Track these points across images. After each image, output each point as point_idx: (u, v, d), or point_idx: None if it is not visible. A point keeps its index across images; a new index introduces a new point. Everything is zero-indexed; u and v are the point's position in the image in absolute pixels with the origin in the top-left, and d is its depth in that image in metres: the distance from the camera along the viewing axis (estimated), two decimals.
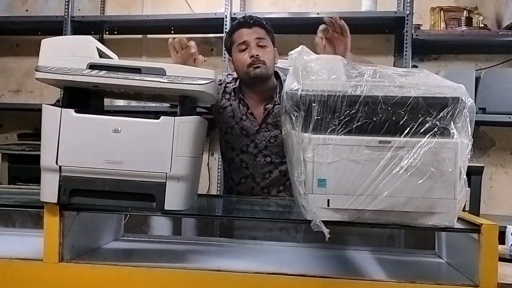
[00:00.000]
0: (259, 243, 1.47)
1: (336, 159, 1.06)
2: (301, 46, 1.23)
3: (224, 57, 2.67)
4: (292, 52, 1.26)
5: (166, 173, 1.10)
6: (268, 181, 1.75)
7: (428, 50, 2.81)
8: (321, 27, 1.53)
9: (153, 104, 2.61)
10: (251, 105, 1.76)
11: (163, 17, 2.85)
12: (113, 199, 1.13)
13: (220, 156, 2.60)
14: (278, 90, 1.73)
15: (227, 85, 1.82)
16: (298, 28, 2.81)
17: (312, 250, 1.39)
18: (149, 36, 3.14)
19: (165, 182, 1.11)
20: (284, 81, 1.24)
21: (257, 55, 1.65)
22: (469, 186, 2.30)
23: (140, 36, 3.15)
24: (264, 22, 1.71)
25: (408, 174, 1.04)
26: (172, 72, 1.13)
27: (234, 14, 2.71)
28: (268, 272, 1.11)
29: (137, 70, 1.13)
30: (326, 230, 1.03)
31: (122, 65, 1.14)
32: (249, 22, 1.69)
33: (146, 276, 1.13)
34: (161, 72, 1.13)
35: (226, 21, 2.70)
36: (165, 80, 1.11)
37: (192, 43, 1.56)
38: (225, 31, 2.68)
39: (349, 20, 1.54)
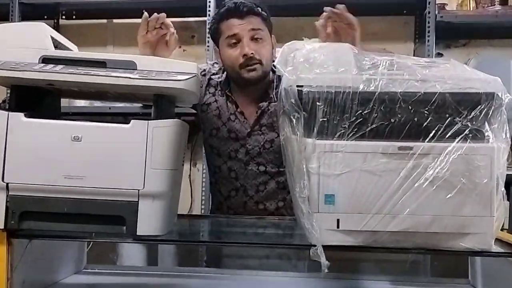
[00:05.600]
0: (254, 274, 1.47)
1: (347, 169, 1.06)
2: (291, 42, 1.22)
3: (208, 46, 2.68)
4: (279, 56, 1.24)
5: (138, 190, 1.10)
6: (263, 194, 1.75)
7: (456, 34, 2.83)
8: (324, 14, 1.53)
9: (122, 105, 2.60)
10: (241, 103, 1.75)
11: None
12: (73, 223, 1.12)
13: (204, 167, 2.60)
14: (274, 85, 1.72)
15: (212, 76, 1.81)
16: (297, 10, 2.82)
17: (319, 281, 1.39)
18: (115, 21, 3.13)
19: (137, 201, 1.10)
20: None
21: (252, 53, 1.64)
22: (508, 199, 2.31)
23: (105, 21, 3.14)
24: (260, 9, 1.69)
25: (434, 187, 1.04)
26: (145, 66, 1.13)
27: None
28: None
29: (101, 64, 1.12)
30: (324, 261, 1.04)
31: (82, 57, 1.13)
32: (241, 10, 1.65)
33: None
34: (131, 66, 1.12)
35: (209, 1, 2.71)
36: (136, 76, 1.10)
37: (169, 22, 1.59)
38: (209, 14, 2.68)
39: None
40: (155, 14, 1.60)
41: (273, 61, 1.70)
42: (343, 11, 1.51)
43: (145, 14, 1.61)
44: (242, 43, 1.64)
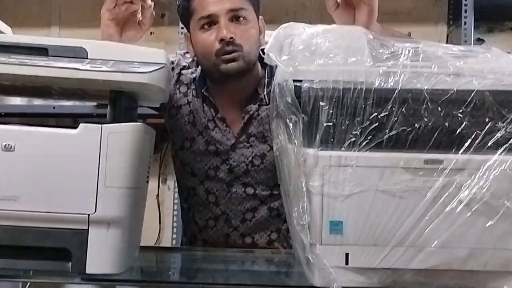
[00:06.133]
0: None
1: (358, 189, 1.06)
2: (287, 24, 1.22)
3: (182, 27, 2.68)
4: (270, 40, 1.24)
5: (88, 214, 1.10)
6: (251, 224, 1.75)
7: (501, 15, 2.85)
8: None
9: (70, 103, 2.60)
10: (222, 107, 1.74)
11: None
12: (4, 257, 1.11)
13: (176, 184, 2.60)
14: (265, 82, 1.72)
15: (183, 71, 1.80)
16: None
17: None
18: None
19: (87, 230, 1.10)
20: (276, 68, 1.24)
21: (231, 38, 1.63)
22: None
23: None
24: None
25: (471, 212, 1.05)
26: (98, 54, 1.13)
27: None
28: None
29: (41, 51, 1.12)
30: None
31: (17, 42, 1.13)
32: None
33: None
34: (80, 54, 1.13)
35: None
36: (87, 67, 1.10)
37: None
38: None
39: None
40: None
41: (261, 50, 1.69)
42: None
43: None
44: (219, 24, 1.63)
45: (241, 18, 1.65)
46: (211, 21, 1.63)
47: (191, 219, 1.81)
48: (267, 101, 1.67)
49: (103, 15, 1.58)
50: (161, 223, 2.97)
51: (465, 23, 2.59)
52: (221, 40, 1.61)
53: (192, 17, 1.68)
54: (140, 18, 1.61)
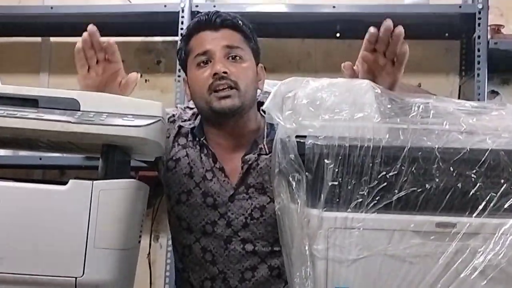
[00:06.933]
0: None
1: (365, 253, 1.06)
2: (288, 80, 1.24)
3: (179, 75, 2.71)
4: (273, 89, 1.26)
5: (75, 278, 1.09)
6: (250, 284, 1.73)
7: None
8: (365, 43, 1.51)
9: (56, 154, 2.60)
10: (221, 156, 1.75)
11: (78, 10, 2.89)
12: None
13: (170, 243, 2.59)
14: (265, 133, 1.74)
15: (182, 123, 1.82)
16: (303, 29, 2.87)
17: None
18: (53, 39, 3.17)
19: None
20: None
21: (225, 72, 1.66)
22: None
23: (39, 39, 3.18)
24: (241, 22, 1.72)
25: (486, 280, 1.04)
26: (91, 106, 1.14)
27: (197, 7, 2.77)
28: None
29: (31, 102, 1.13)
30: None
31: (7, 93, 1.14)
32: (214, 21, 1.70)
33: None
34: (72, 105, 1.14)
35: (182, 17, 2.76)
36: (79, 120, 1.12)
37: (113, 43, 1.58)
38: (181, 34, 2.73)
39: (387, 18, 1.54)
40: (85, 34, 1.53)
41: (259, 96, 1.72)
42: (399, 35, 1.45)
43: (78, 45, 1.55)
44: (214, 61, 1.67)
45: (238, 57, 1.68)
46: (207, 58, 1.67)
47: (186, 280, 1.80)
48: (267, 151, 1.68)
49: (79, 82, 1.59)
50: (152, 284, 2.94)
51: (478, 74, 2.60)
52: (215, 75, 1.64)
53: (189, 56, 1.72)
54: (124, 81, 1.63)
